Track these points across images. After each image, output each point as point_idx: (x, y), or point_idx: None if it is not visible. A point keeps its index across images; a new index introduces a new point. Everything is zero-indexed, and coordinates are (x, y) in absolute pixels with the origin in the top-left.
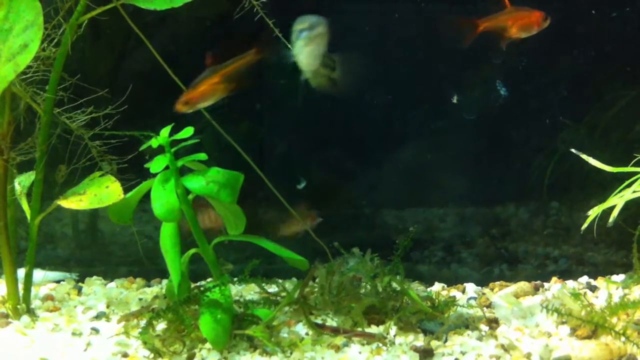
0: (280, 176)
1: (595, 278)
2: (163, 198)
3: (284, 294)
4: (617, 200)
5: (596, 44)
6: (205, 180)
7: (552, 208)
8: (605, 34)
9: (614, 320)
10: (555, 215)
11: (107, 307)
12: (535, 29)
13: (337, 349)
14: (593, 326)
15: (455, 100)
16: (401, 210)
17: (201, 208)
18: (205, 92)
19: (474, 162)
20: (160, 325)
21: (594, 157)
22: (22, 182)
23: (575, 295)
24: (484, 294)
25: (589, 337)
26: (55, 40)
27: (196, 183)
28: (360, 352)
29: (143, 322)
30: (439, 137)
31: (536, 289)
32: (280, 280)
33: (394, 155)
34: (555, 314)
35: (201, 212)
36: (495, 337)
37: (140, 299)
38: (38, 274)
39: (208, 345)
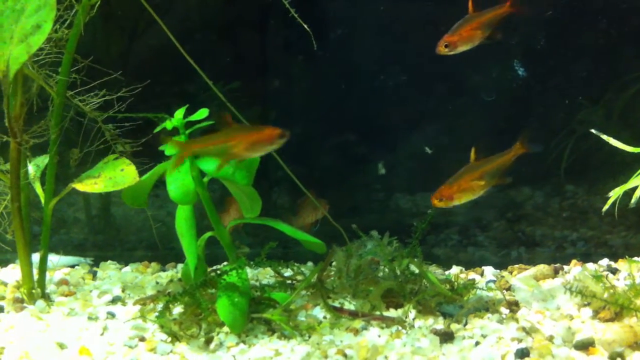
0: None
1: (615, 261)
2: (178, 180)
3: (300, 277)
4: (639, 182)
5: (615, 24)
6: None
7: (568, 191)
8: (623, 12)
9: (639, 302)
10: (573, 198)
11: (123, 291)
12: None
13: (356, 332)
14: (617, 308)
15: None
16: (414, 195)
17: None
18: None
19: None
20: (177, 309)
21: (613, 138)
22: (35, 165)
23: (597, 278)
24: (503, 277)
25: (611, 320)
26: (68, 22)
27: (211, 165)
28: (379, 336)
29: (159, 306)
30: (454, 120)
31: (556, 272)
32: (297, 264)
33: (408, 139)
34: (577, 297)
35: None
36: (516, 320)
37: (157, 283)
38: (52, 258)
39: (225, 328)
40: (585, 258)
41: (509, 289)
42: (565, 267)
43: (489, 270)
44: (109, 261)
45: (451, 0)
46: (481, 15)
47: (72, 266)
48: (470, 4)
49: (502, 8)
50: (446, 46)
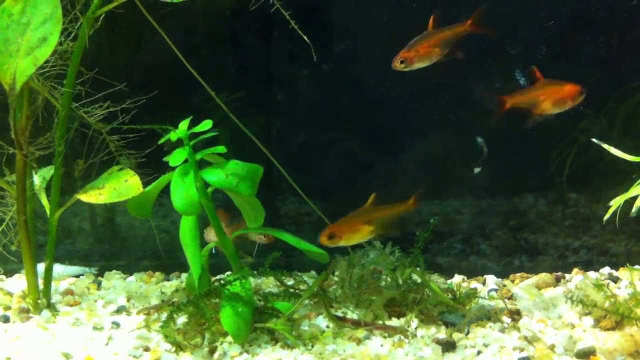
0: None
1: (616, 269)
2: (182, 191)
3: (302, 286)
4: None
5: (617, 32)
6: (225, 173)
7: (571, 199)
8: (626, 21)
9: (639, 310)
10: (575, 206)
11: (127, 301)
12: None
13: (359, 341)
14: (617, 317)
15: None
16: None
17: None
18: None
19: (492, 153)
20: (181, 319)
21: (615, 147)
22: (40, 177)
23: (599, 286)
24: (504, 285)
25: (613, 328)
26: (73, 34)
27: (215, 176)
28: (382, 345)
29: (163, 316)
30: (456, 128)
31: (557, 280)
32: (299, 274)
33: (411, 146)
34: (579, 306)
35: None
36: (518, 329)
37: (161, 293)
38: (57, 268)
39: (229, 338)
40: (587, 266)
41: (510, 297)
42: (567, 276)
43: (491, 279)
44: (114, 271)
45: (453, 6)
46: (440, 32)
47: (77, 276)
48: (430, 20)
49: (462, 26)
50: (402, 62)
